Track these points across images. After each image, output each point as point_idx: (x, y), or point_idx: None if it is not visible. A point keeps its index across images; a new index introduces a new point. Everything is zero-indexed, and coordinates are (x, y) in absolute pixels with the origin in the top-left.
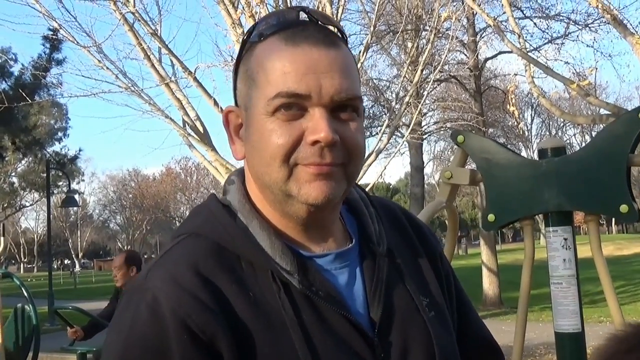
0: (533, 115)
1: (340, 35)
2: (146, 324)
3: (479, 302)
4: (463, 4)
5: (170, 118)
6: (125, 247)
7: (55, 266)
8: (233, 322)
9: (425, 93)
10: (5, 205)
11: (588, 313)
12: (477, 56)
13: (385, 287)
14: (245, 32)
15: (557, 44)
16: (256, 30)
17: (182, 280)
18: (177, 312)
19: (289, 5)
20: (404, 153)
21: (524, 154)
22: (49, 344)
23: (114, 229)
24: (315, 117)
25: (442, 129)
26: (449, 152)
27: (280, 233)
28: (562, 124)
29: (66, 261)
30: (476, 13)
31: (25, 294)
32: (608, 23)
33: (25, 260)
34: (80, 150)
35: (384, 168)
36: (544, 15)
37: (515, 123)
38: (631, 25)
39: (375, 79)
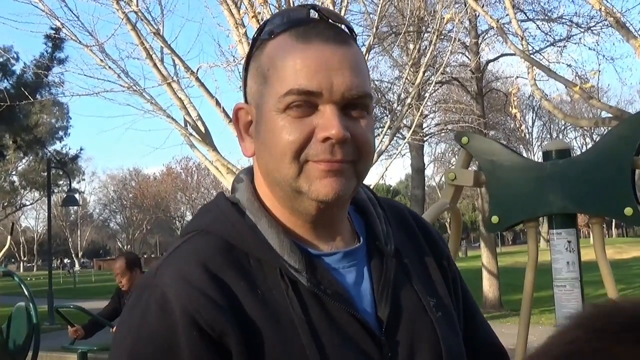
0: (534, 118)
1: (350, 33)
2: (155, 320)
3: (479, 305)
4: (465, 6)
5: (172, 118)
6: (125, 247)
7: (54, 265)
8: (242, 319)
9: (427, 95)
10: (5, 204)
11: None
12: (479, 58)
13: (393, 286)
14: (247, 32)
15: (560, 46)
16: (267, 28)
17: (191, 277)
18: (187, 309)
19: (291, 4)
20: (404, 155)
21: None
22: (49, 343)
23: (114, 229)
24: (327, 114)
25: (444, 131)
26: (450, 154)
27: (289, 231)
28: (563, 127)
29: (66, 260)
30: (478, 15)
31: (26, 292)
32: (611, 26)
33: (25, 259)
34: (81, 149)
35: (385, 170)
36: (547, 17)
37: (517, 125)
38: (634, 28)
39: (377, 81)
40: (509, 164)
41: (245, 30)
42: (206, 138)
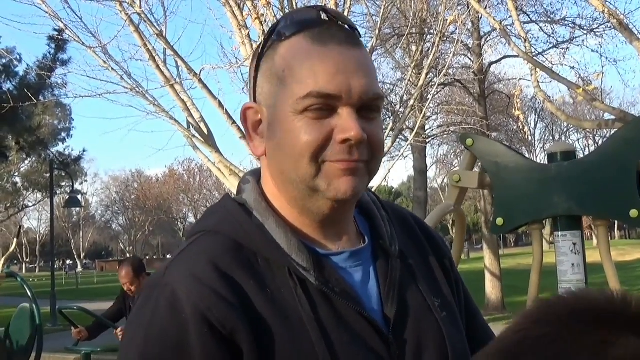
0: (537, 120)
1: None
2: (166, 318)
3: (481, 307)
4: (468, 8)
5: (175, 119)
6: (128, 249)
7: (57, 266)
8: (252, 317)
9: (430, 97)
10: (8, 205)
11: None
12: (481, 60)
13: (399, 286)
14: (250, 34)
15: (562, 48)
16: (279, 28)
17: (201, 275)
18: (198, 306)
19: (294, 7)
20: (407, 156)
21: None
22: (51, 344)
23: (116, 230)
24: (345, 116)
25: (446, 133)
26: (452, 156)
27: (296, 230)
28: (565, 129)
29: (68, 261)
30: (481, 17)
31: (29, 293)
32: (614, 28)
33: (27, 260)
34: (84, 150)
35: (388, 171)
36: (550, 19)
37: (520, 127)
38: (637, 30)
39: (380, 83)
40: (513, 166)
41: (249, 32)
42: (209, 140)
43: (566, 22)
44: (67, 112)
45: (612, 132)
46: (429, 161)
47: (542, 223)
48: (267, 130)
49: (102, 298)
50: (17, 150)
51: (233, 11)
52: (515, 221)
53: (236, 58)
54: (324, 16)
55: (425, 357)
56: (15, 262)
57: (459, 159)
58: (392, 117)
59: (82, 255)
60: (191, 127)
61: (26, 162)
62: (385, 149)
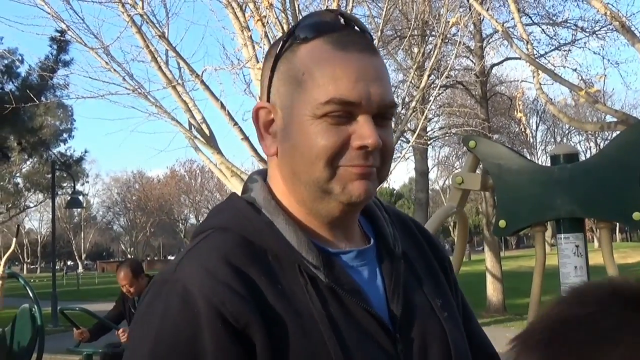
0: (538, 122)
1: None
2: (178, 313)
3: (482, 309)
4: (470, 9)
5: (177, 120)
6: (129, 249)
7: (58, 267)
8: (265, 312)
9: (431, 98)
10: (9, 205)
11: None
12: (483, 62)
13: (403, 286)
14: (252, 35)
15: (564, 50)
16: (298, 31)
17: (214, 270)
18: (211, 301)
19: (296, 9)
20: (408, 158)
21: None
22: (52, 345)
23: (117, 231)
24: (363, 123)
25: (448, 135)
26: (454, 158)
27: (305, 229)
28: (567, 131)
29: (69, 262)
30: (483, 19)
31: (31, 294)
32: (616, 30)
33: (29, 261)
34: (85, 151)
35: (389, 173)
36: (552, 21)
37: (522, 129)
38: (639, 32)
39: None
40: (516, 168)
41: (251, 34)
42: (210, 141)
43: (568, 24)
44: (69, 113)
45: (615, 134)
46: (430, 163)
47: (545, 225)
48: (281, 131)
49: (103, 299)
50: (18, 151)
51: (235, 13)
52: (518, 223)
53: (238, 59)
54: (342, 20)
55: (430, 355)
56: (17, 263)
57: (460, 161)
58: (394, 119)
59: (83, 256)
60: (193, 128)
61: (28, 162)
62: None
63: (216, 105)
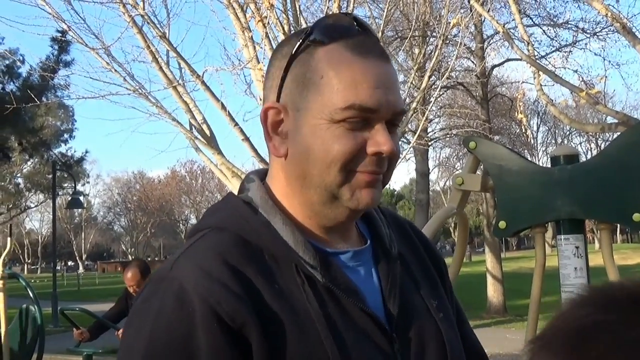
0: (539, 123)
1: None
2: (173, 311)
3: (483, 310)
4: (471, 11)
5: (177, 121)
6: (129, 250)
7: (58, 268)
8: (262, 311)
9: (432, 99)
10: (10, 206)
11: None
12: (484, 63)
13: (399, 286)
14: (253, 36)
15: (565, 52)
16: (316, 33)
17: (210, 270)
18: (207, 300)
19: (297, 10)
20: (409, 159)
21: None
22: (53, 345)
23: (118, 232)
24: (379, 130)
25: (448, 136)
26: (455, 159)
27: (302, 229)
28: (568, 132)
29: (70, 262)
30: (484, 20)
31: (31, 294)
32: (617, 32)
33: (29, 261)
34: (86, 152)
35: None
36: (553, 23)
37: (523, 130)
38: None
39: None
40: (516, 169)
41: (251, 35)
42: (211, 141)
43: (569, 26)
44: (70, 113)
45: (615, 135)
46: (431, 164)
47: (545, 226)
48: (292, 133)
49: (104, 299)
50: (19, 151)
51: (236, 13)
52: (518, 224)
53: (239, 60)
54: (356, 25)
55: (426, 355)
56: (17, 263)
57: (461, 161)
58: None
59: (84, 257)
60: (194, 128)
61: (29, 163)
62: None
63: (217, 106)
